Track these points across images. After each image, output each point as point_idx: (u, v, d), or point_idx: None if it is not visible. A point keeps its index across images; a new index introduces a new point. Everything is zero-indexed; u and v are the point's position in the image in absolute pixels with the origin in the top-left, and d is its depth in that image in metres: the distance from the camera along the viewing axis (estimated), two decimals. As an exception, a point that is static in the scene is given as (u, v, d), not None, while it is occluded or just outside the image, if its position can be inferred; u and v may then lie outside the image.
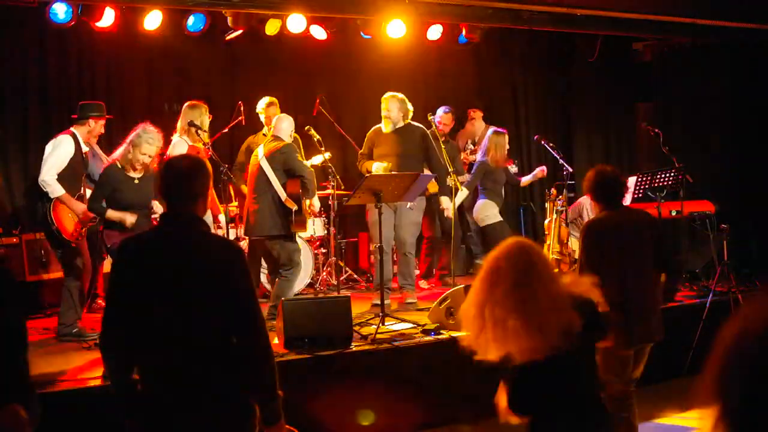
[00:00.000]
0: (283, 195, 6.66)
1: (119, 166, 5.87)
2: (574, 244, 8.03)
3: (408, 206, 7.24)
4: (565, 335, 2.80)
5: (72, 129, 6.43)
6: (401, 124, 7.35)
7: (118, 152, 5.94)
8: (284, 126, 6.84)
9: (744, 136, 9.73)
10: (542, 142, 8.17)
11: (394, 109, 7.29)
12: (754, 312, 1.04)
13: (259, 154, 6.73)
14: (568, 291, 2.96)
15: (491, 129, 7.99)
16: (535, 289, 2.82)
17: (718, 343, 1.05)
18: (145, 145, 5.82)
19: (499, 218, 7.91)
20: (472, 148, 9.06)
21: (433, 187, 7.46)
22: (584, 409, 3.03)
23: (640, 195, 8.00)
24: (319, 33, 8.23)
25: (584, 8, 8.08)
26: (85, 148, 6.48)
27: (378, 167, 7.19)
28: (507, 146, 7.93)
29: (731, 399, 1.00)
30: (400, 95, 7.37)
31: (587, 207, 8.49)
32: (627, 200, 8.55)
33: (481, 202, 7.97)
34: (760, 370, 0.98)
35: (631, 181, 8.47)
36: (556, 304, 2.84)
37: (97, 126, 6.52)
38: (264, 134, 7.47)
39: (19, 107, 7.92)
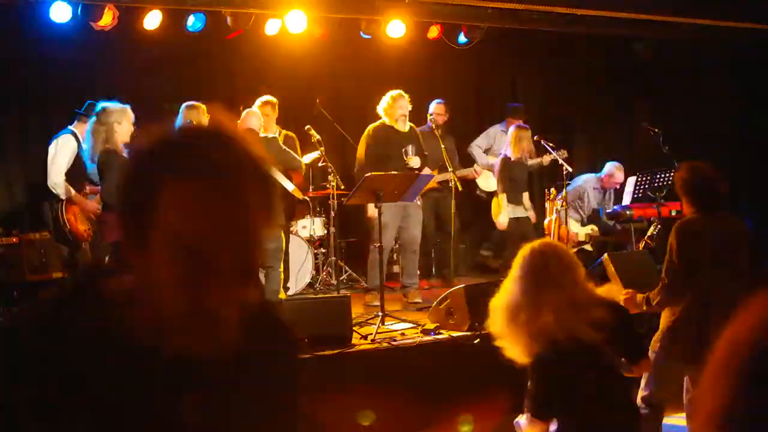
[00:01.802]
0: (290, 186, 6.70)
1: (118, 152, 5.86)
2: (574, 226, 8.01)
3: (417, 202, 7.30)
4: (593, 327, 2.84)
5: (71, 127, 6.42)
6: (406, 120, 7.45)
7: (103, 142, 5.81)
8: (254, 120, 6.87)
9: (744, 136, 9.74)
10: (542, 142, 8.16)
11: (406, 105, 7.37)
12: (755, 314, 1.03)
13: None
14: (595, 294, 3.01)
15: (514, 125, 8.03)
16: (558, 289, 2.89)
17: (719, 344, 1.05)
18: (126, 114, 5.84)
19: (518, 215, 7.91)
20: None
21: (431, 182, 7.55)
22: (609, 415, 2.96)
23: (640, 195, 8.01)
24: (318, 33, 8.23)
25: (584, 8, 8.08)
26: (84, 146, 6.47)
27: (417, 161, 7.27)
28: (531, 140, 8.00)
29: (730, 401, 0.99)
30: (402, 92, 7.43)
31: (588, 190, 8.44)
32: (627, 200, 8.58)
33: (495, 200, 7.98)
34: (758, 373, 0.98)
35: (631, 181, 8.48)
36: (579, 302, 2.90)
37: None
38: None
39: (19, 107, 7.92)
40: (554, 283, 2.89)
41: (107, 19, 7.14)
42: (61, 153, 6.23)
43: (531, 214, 8.08)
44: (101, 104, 5.94)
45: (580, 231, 8.14)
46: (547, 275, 2.91)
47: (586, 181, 8.53)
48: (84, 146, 6.44)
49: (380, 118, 7.44)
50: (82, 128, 6.45)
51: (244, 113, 7.00)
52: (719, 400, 0.99)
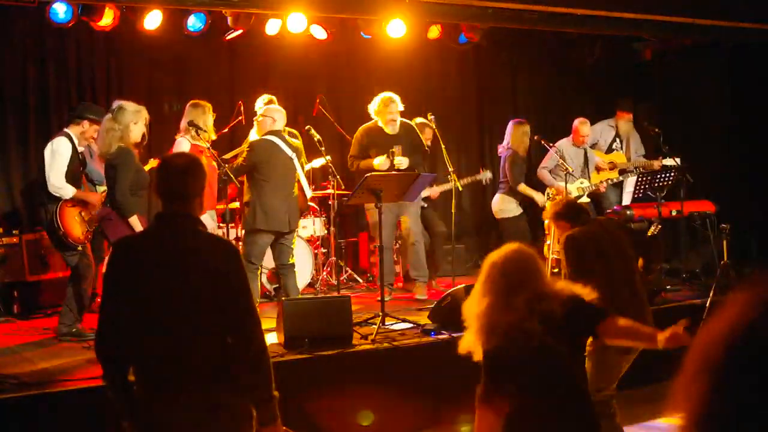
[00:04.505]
0: (309, 192, 6.79)
1: (132, 151, 5.86)
2: (569, 186, 7.98)
3: (405, 201, 7.32)
4: (542, 322, 3.02)
5: (66, 129, 6.39)
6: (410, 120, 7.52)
7: (117, 140, 5.80)
8: (279, 116, 6.85)
9: (744, 136, 9.73)
10: (542, 142, 8.16)
11: (396, 110, 7.38)
12: (727, 316, 1.04)
13: (286, 150, 6.70)
14: (556, 290, 3.16)
15: (512, 121, 8.04)
16: (523, 290, 3.09)
17: (692, 347, 1.06)
18: (142, 115, 5.85)
19: (516, 212, 7.93)
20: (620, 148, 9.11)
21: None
22: (564, 405, 3.12)
23: (640, 195, 8.00)
24: (319, 33, 8.23)
25: (584, 8, 8.08)
26: (80, 148, 6.46)
27: (381, 161, 7.25)
28: (529, 134, 8.03)
29: (706, 401, 1.00)
30: (393, 94, 7.45)
31: (566, 150, 8.41)
32: (627, 200, 8.58)
33: (498, 196, 7.97)
34: (732, 372, 0.98)
35: (631, 181, 8.48)
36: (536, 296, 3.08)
37: (90, 129, 6.40)
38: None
39: (19, 107, 7.92)
40: (521, 287, 3.09)
41: (108, 19, 7.14)
42: (56, 154, 6.19)
43: (536, 197, 8.14)
44: (118, 103, 5.94)
45: (572, 188, 8.18)
46: (515, 280, 3.11)
47: (560, 144, 8.51)
48: (79, 148, 6.42)
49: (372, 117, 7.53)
50: (76, 130, 6.41)
51: (268, 108, 6.94)
52: (695, 400, 0.99)
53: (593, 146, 9.05)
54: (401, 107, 7.45)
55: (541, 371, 3.09)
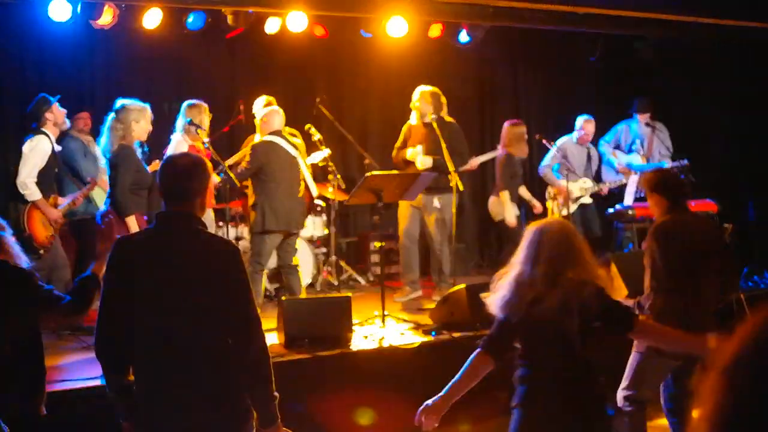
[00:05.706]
0: (315, 191, 6.87)
1: (131, 149, 5.84)
2: (571, 185, 7.95)
3: (434, 204, 7.31)
4: (580, 314, 3.08)
5: (42, 129, 6.37)
6: (431, 117, 7.35)
7: (119, 139, 5.81)
8: (278, 119, 6.83)
9: (745, 136, 9.72)
10: (543, 141, 8.14)
11: (422, 101, 7.38)
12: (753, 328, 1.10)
13: (289, 149, 6.70)
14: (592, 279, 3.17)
15: (507, 122, 8.03)
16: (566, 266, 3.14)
17: (719, 354, 1.12)
18: (145, 113, 5.84)
19: (515, 214, 7.90)
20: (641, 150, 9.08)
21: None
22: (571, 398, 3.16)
23: (642, 195, 7.98)
24: (319, 31, 8.21)
25: (585, 7, 8.06)
26: (57, 147, 6.43)
27: (413, 153, 7.32)
28: (525, 136, 7.99)
29: (726, 406, 1.05)
30: (432, 88, 7.42)
31: (569, 149, 8.41)
32: (629, 200, 8.55)
33: (493, 198, 7.94)
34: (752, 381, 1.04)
35: (633, 180, 8.46)
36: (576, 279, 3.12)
37: (55, 115, 6.39)
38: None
39: (19, 106, 7.89)
40: (563, 262, 3.15)
41: (107, 17, 7.11)
42: (33, 153, 6.17)
43: (534, 203, 8.11)
44: (120, 101, 5.94)
45: (574, 188, 8.15)
46: (559, 252, 3.17)
47: (563, 142, 8.50)
48: (56, 147, 6.41)
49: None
50: (50, 128, 6.37)
51: (266, 111, 6.92)
52: (714, 402, 1.05)
53: (616, 148, 9.05)
54: (442, 100, 7.43)
55: (552, 351, 3.17)
